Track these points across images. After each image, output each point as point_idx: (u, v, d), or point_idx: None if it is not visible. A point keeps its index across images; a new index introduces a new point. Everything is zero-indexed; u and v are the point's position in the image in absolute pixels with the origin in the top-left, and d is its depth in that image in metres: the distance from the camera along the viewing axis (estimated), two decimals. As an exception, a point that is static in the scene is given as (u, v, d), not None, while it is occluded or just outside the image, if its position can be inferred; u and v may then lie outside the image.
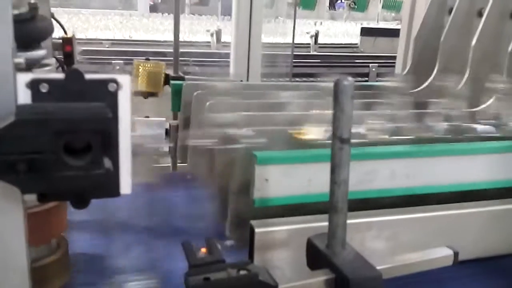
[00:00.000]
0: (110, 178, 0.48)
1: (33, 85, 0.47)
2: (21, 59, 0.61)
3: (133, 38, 5.47)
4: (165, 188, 1.48)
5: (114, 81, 0.49)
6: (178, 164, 1.66)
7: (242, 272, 0.60)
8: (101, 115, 0.47)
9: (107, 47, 4.86)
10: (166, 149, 1.68)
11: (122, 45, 5.05)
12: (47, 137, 0.45)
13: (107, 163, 0.48)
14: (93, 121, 0.47)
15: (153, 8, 7.46)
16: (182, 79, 1.62)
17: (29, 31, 0.52)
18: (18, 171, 0.44)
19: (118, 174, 0.50)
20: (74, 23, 5.10)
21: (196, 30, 5.62)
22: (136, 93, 1.62)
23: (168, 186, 1.50)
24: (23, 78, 0.48)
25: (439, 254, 0.71)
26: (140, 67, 1.59)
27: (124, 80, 0.50)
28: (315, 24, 6.41)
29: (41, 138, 0.45)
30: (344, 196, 0.66)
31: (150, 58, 1.67)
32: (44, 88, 0.48)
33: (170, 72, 1.67)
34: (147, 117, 1.63)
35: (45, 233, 0.73)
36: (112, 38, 5.27)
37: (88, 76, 0.48)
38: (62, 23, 1.34)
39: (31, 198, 0.50)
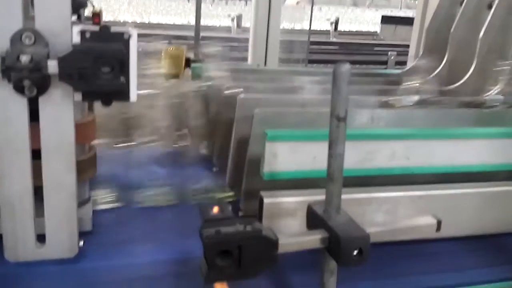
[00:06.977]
0: (123, 88, 0.83)
1: (81, 33, 0.81)
2: (74, 17, 0.98)
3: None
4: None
5: (128, 32, 0.83)
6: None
7: (248, 228, 0.70)
8: (120, 50, 0.81)
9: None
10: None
11: (143, 28, 5.16)
12: (90, 60, 0.79)
13: (122, 79, 0.82)
14: (115, 53, 0.81)
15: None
16: (202, 62, 1.71)
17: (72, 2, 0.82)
18: (73, 78, 0.79)
19: (129, 87, 0.84)
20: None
21: (213, 14, 5.65)
22: (159, 75, 1.71)
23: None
24: (76, 28, 0.81)
25: (424, 222, 0.79)
26: (163, 51, 1.68)
27: (133, 31, 0.83)
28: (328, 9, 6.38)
29: (86, 61, 0.79)
30: (340, 168, 0.76)
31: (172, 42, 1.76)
32: (88, 35, 0.81)
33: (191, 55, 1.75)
34: (169, 97, 1.73)
35: (83, 137, 1.00)
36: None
37: (112, 28, 0.82)
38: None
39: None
